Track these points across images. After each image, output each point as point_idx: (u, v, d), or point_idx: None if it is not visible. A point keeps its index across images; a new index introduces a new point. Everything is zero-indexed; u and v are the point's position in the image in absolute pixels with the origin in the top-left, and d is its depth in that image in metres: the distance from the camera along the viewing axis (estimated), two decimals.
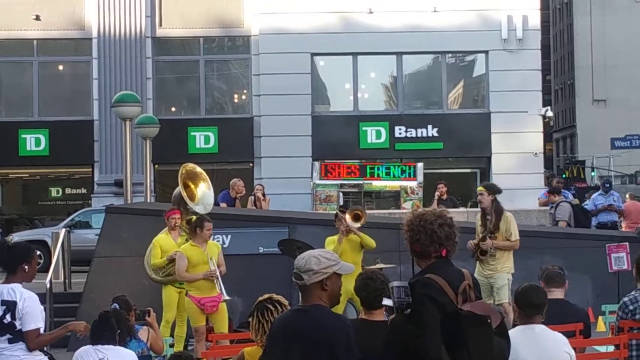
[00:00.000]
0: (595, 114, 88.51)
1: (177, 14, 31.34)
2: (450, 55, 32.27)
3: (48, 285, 16.15)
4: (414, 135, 31.00)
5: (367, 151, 30.70)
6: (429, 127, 31.07)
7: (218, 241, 14.81)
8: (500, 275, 12.96)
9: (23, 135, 30.75)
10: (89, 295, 16.00)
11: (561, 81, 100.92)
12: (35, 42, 31.61)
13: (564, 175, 64.62)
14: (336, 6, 30.69)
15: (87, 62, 31.29)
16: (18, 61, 32.23)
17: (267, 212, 20.10)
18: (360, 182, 27.12)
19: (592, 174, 71.48)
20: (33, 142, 30.78)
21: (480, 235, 13.12)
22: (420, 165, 27.56)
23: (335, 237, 13.85)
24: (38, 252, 8.49)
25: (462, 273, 5.58)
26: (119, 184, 26.71)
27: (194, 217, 13.07)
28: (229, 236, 16.37)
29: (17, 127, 30.80)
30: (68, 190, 33.60)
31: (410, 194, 26.95)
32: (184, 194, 13.80)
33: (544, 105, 32.53)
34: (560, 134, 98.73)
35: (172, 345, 12.66)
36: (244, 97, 32.51)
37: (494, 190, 13.37)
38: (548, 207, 21.24)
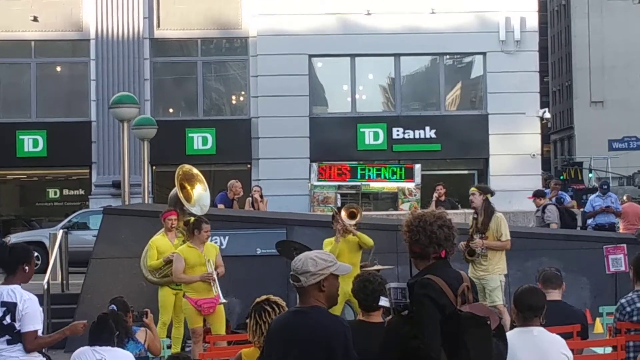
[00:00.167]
0: (593, 116, 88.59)
1: (175, 15, 31.33)
2: (448, 56, 32.29)
3: (45, 287, 16.12)
4: (411, 136, 31.01)
5: (365, 153, 30.70)
6: (427, 128, 31.08)
7: (216, 242, 14.80)
8: (493, 277, 12.94)
9: (21, 137, 30.74)
10: (87, 296, 16.00)
11: (559, 83, 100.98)
12: (33, 43, 31.60)
13: (561, 177, 64.69)
14: (334, 8, 30.70)
15: (85, 63, 31.29)
16: (16, 62, 32.22)
17: (264, 213, 20.10)
18: (358, 183, 27.14)
19: (590, 175, 71.51)
20: (31, 143, 30.76)
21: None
22: (417, 166, 27.58)
23: (333, 239, 13.84)
24: (35, 254, 8.48)
25: (460, 275, 5.59)
26: (117, 185, 26.70)
27: (192, 219, 13.05)
28: (227, 237, 16.37)
29: (14, 128, 30.78)
30: (66, 192, 33.59)
31: (407, 195, 26.97)
32: (181, 195, 13.78)
33: (542, 106, 32.53)
34: (558, 135, 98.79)
35: (169, 347, 12.65)
36: (241, 98, 32.51)
37: (486, 191, 13.43)
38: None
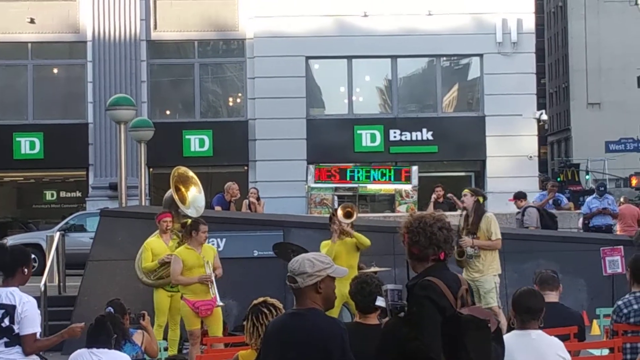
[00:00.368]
0: (589, 117, 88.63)
1: (172, 17, 31.33)
2: (444, 58, 32.33)
3: (42, 289, 16.12)
4: (408, 138, 31.03)
5: (362, 154, 30.71)
6: (424, 130, 31.09)
7: (213, 244, 14.78)
8: (487, 279, 12.94)
9: (18, 139, 30.73)
10: (84, 298, 15.98)
11: (556, 84, 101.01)
12: (29, 45, 31.59)
13: (558, 179, 64.69)
14: (331, 9, 30.71)
15: (82, 65, 31.29)
16: (13, 64, 32.21)
17: (261, 215, 20.09)
18: (355, 185, 27.17)
19: (587, 177, 71.52)
20: (28, 146, 30.74)
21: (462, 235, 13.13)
22: (415, 168, 27.61)
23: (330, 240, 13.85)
24: (32, 256, 8.48)
25: (458, 277, 5.59)
26: (114, 187, 26.68)
27: (189, 220, 13.04)
28: (224, 239, 16.36)
29: (11, 131, 30.78)
30: (63, 194, 33.58)
31: (405, 197, 27.00)
32: (176, 197, 13.78)
33: (539, 108, 32.55)
34: (554, 137, 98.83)
35: (166, 349, 12.64)
36: (238, 100, 32.51)
37: (478, 193, 13.52)
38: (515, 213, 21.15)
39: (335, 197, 26.81)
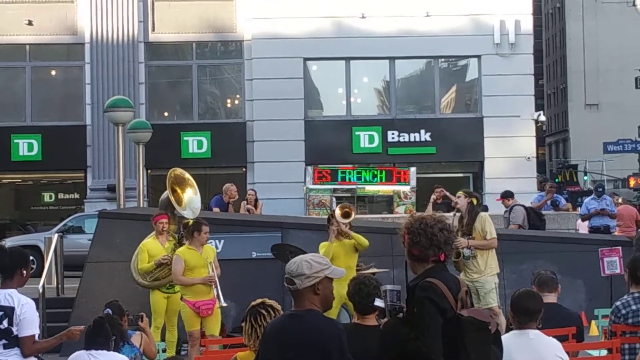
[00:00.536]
0: (587, 118, 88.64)
1: (169, 19, 31.34)
2: (442, 59, 32.33)
3: (41, 291, 16.12)
4: (406, 139, 31.03)
5: (360, 156, 30.71)
6: (422, 131, 31.10)
7: (211, 246, 14.78)
8: (487, 279, 12.96)
9: (15, 140, 30.72)
10: (82, 300, 15.97)
11: (554, 85, 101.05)
12: (27, 47, 31.59)
13: (556, 180, 64.73)
14: (329, 11, 30.72)
15: (80, 67, 31.28)
16: (10, 66, 32.19)
17: (260, 216, 20.09)
18: (353, 186, 27.19)
19: (585, 178, 71.55)
20: (26, 147, 30.74)
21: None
22: (413, 169, 27.63)
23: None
24: (31, 258, 8.48)
25: (458, 279, 5.59)
26: (112, 189, 26.71)
27: (191, 221, 13.02)
28: (222, 241, 16.35)
29: (9, 132, 30.77)
30: (61, 195, 33.57)
31: (403, 198, 27.01)
32: (172, 198, 13.77)
33: (537, 109, 32.59)
34: (552, 138, 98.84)
35: (164, 350, 12.63)
36: (236, 101, 32.51)
37: (472, 195, 13.59)
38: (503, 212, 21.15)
39: (334, 199, 26.81)
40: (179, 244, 13.25)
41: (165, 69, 32.45)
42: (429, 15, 30.83)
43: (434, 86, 31.87)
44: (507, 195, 20.51)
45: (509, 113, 30.57)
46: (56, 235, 19.70)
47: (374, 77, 32.56)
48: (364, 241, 13.73)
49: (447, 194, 20.87)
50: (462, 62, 32.72)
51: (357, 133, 30.96)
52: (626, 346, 8.33)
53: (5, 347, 7.44)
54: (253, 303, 6.87)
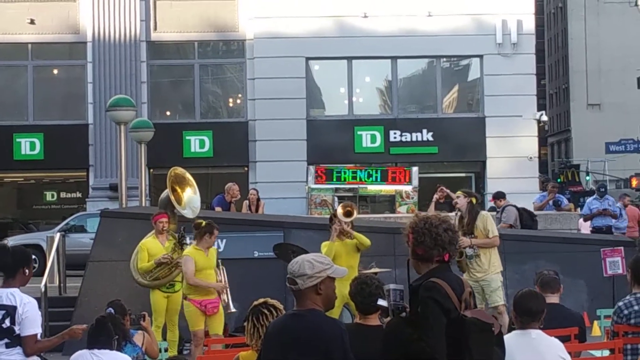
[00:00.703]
0: (589, 118, 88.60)
1: (172, 18, 31.33)
2: (444, 59, 32.33)
3: (43, 290, 16.12)
4: (408, 139, 31.03)
5: (362, 155, 30.70)
6: (424, 131, 31.10)
7: (213, 245, 14.79)
8: (492, 278, 12.98)
9: (18, 139, 30.73)
10: (84, 299, 15.98)
11: (556, 85, 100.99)
12: (29, 46, 31.59)
13: (559, 180, 64.67)
14: (331, 10, 30.71)
15: (82, 66, 31.28)
16: (12, 65, 32.20)
17: (262, 216, 20.09)
18: (355, 186, 27.18)
19: (587, 178, 71.52)
20: (28, 146, 30.74)
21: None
22: (415, 169, 27.59)
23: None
24: (33, 257, 8.47)
25: (461, 280, 5.59)
26: (114, 188, 26.69)
27: (203, 222, 13.00)
28: (224, 240, 16.35)
29: (11, 131, 30.78)
30: (63, 194, 33.58)
31: (405, 198, 26.98)
32: (172, 198, 13.77)
33: (539, 109, 32.56)
34: (554, 138, 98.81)
35: (166, 350, 12.63)
36: (238, 101, 32.52)
37: (471, 194, 13.61)
38: (500, 215, 21.05)
39: (336, 198, 26.79)
40: (179, 243, 13.26)
41: (167, 68, 32.45)
42: (431, 14, 30.82)
43: (436, 86, 31.87)
44: (499, 196, 20.45)
45: (511, 113, 30.56)
46: (58, 234, 19.71)
47: (376, 76, 32.56)
48: (366, 241, 13.74)
49: (450, 193, 20.86)
50: (464, 62, 32.72)
51: (359, 132, 30.96)
52: (628, 347, 8.33)
53: (7, 346, 7.44)
54: (255, 303, 6.87)
